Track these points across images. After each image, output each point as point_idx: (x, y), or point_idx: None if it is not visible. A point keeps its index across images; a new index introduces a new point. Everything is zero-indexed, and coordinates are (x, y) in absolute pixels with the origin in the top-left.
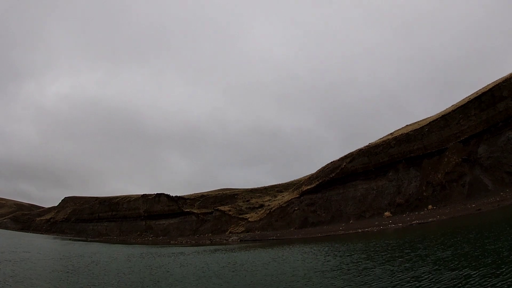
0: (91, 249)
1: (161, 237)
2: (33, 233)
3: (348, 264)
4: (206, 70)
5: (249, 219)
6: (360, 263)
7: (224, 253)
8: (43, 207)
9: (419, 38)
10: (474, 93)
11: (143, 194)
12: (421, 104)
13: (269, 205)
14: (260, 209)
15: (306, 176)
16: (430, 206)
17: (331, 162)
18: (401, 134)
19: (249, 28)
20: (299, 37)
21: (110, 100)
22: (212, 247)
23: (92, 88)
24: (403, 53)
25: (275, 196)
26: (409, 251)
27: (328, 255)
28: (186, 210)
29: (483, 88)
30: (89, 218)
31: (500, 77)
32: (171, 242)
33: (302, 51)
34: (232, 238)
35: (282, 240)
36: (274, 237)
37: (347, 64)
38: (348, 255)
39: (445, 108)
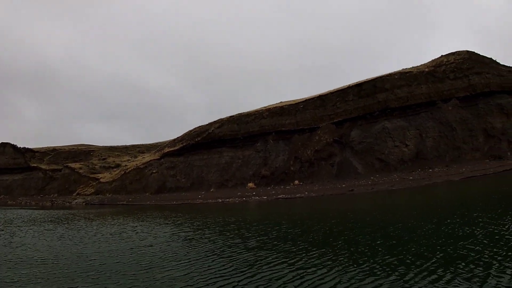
0: None
1: (1, 196)
2: None
3: None
4: (65, 4)
5: (101, 180)
6: None
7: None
8: None
9: (302, 20)
10: (356, 82)
11: None
12: (297, 90)
13: (126, 165)
14: (115, 169)
15: (172, 139)
16: (296, 181)
17: (199, 126)
18: (275, 107)
19: None
20: None
21: None
22: (32, 213)
23: None
24: (284, 30)
25: (136, 157)
26: None
27: None
28: (33, 165)
29: (365, 79)
30: None
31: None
32: (9, 202)
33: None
34: (77, 201)
35: (131, 206)
36: (125, 202)
37: (225, 27)
38: None
39: None
